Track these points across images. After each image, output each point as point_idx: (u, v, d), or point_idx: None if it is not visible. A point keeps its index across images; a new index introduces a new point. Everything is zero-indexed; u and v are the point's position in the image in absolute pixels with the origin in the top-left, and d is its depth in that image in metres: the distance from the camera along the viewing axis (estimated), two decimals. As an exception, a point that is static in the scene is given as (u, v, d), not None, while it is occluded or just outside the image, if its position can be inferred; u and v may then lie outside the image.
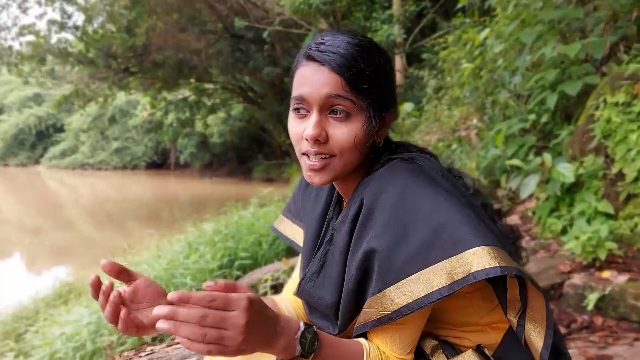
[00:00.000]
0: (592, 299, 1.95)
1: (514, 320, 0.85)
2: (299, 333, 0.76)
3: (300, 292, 0.99)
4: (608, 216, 2.47)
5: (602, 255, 2.17)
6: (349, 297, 0.87)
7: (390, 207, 0.82)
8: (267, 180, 23.95)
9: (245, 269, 3.75)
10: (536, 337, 0.83)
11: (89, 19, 15.68)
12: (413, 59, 10.76)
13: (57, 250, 10.48)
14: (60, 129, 33.03)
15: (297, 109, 0.88)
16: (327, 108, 0.85)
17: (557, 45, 3.24)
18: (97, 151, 31.69)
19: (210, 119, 23.84)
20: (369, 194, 0.86)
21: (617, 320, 1.90)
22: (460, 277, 0.74)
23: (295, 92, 0.87)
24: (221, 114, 23.23)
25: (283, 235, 1.23)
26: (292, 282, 1.17)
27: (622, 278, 2.02)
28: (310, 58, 0.86)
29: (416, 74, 9.04)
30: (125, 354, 2.87)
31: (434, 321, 0.93)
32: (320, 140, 0.85)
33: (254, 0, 14.08)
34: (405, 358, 0.87)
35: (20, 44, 15.82)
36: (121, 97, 26.75)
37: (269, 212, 5.13)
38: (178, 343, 2.86)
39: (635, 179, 2.43)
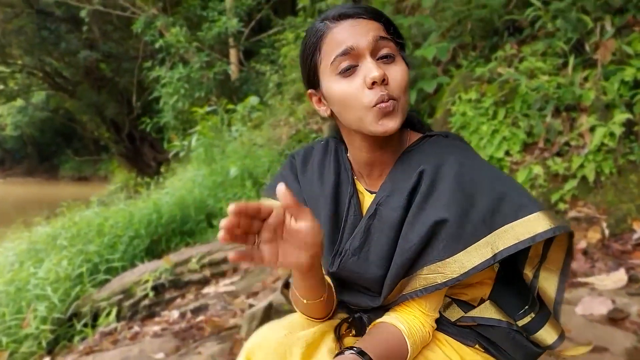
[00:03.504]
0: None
1: (530, 273, 0.99)
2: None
3: (340, 269, 0.97)
4: (467, 195, 2.93)
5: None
6: (404, 267, 0.90)
7: (454, 179, 0.87)
8: (80, 179, 21.31)
9: (113, 272, 3.34)
10: (549, 285, 0.97)
11: None
12: (249, 54, 10.81)
13: None
14: None
15: (345, 69, 0.86)
16: (376, 53, 0.86)
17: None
18: None
19: (3, 108, 20.12)
20: (429, 167, 0.89)
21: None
22: (525, 237, 0.83)
23: (339, 49, 0.86)
24: (17, 103, 19.74)
25: None
26: None
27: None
28: (341, 17, 0.87)
29: (257, 69, 9.13)
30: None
31: None
32: (385, 80, 0.84)
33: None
34: (436, 315, 0.96)
35: None
36: None
37: (120, 211, 4.64)
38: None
39: (486, 163, 2.94)
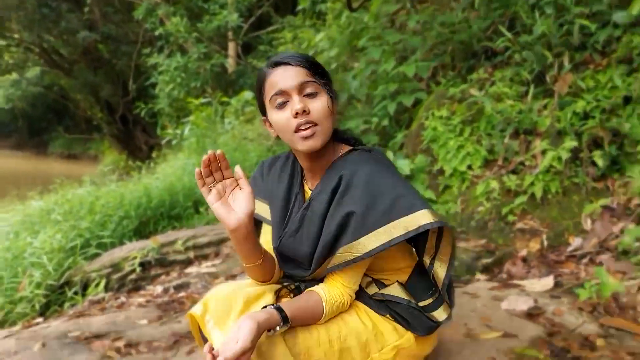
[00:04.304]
0: (426, 262, 2.64)
1: (427, 261, 1.31)
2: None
3: (280, 246, 1.32)
4: (431, 201, 3.25)
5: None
6: (326, 247, 1.21)
7: (363, 182, 1.19)
8: (69, 157, 21.35)
9: (104, 247, 3.61)
10: (440, 271, 1.29)
11: None
12: (247, 49, 11.04)
13: None
14: None
15: (279, 104, 1.19)
16: (302, 92, 1.18)
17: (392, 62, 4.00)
18: None
19: (-4, 80, 20.03)
20: (347, 173, 1.21)
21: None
22: (412, 228, 1.15)
23: (274, 90, 1.19)
24: (11, 75, 19.69)
25: None
26: (263, 245, 1.45)
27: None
28: (276, 64, 1.21)
29: (254, 64, 9.36)
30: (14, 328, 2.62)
31: (367, 269, 1.33)
32: (306, 111, 1.16)
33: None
34: (355, 288, 1.29)
35: None
36: None
37: (110, 191, 4.88)
38: (37, 323, 2.72)
39: (451, 175, 3.26)
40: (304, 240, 1.27)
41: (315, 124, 1.18)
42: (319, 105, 1.18)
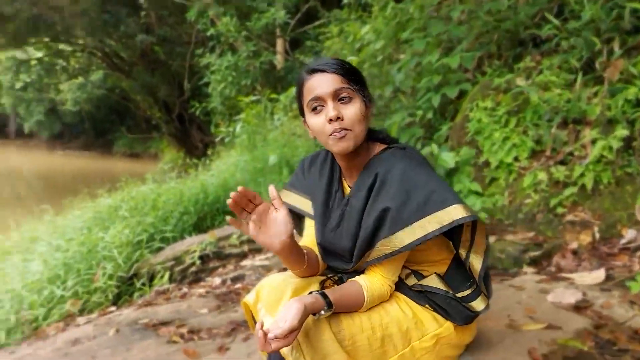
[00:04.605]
0: (471, 254, 2.68)
1: (463, 254, 1.38)
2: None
3: (323, 241, 1.42)
4: (477, 194, 3.26)
5: (477, 222, 2.94)
6: (365, 241, 1.31)
7: (398, 179, 1.27)
8: (132, 156, 22.54)
9: (166, 241, 3.90)
10: (476, 263, 1.37)
11: None
12: (295, 44, 11.21)
13: None
14: None
15: (314, 108, 1.28)
16: (336, 98, 1.27)
17: (438, 53, 3.99)
18: None
19: (64, 84, 21.47)
20: (382, 171, 1.30)
21: (488, 268, 2.65)
22: (446, 223, 1.22)
23: (310, 95, 1.28)
24: (77, 80, 21.05)
25: (291, 205, 1.60)
26: (306, 239, 1.57)
27: (491, 239, 2.79)
28: (313, 71, 1.29)
29: (301, 59, 9.51)
30: (55, 324, 2.93)
31: (406, 261, 1.42)
32: (340, 117, 1.25)
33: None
34: (394, 279, 1.37)
35: None
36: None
37: (171, 188, 5.21)
38: (111, 312, 3.00)
39: (497, 167, 3.25)
40: (344, 235, 1.36)
41: (348, 130, 1.26)
42: (352, 111, 1.26)
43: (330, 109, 1.24)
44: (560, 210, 2.92)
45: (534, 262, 2.65)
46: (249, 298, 1.37)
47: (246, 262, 3.46)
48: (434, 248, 1.43)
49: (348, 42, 7.41)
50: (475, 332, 1.56)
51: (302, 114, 1.37)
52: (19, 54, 17.31)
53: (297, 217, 1.58)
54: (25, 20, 13.39)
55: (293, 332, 1.11)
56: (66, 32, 14.74)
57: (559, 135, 3.05)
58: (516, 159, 3.19)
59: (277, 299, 1.29)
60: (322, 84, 1.25)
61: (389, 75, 5.04)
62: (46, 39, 15.85)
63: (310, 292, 1.24)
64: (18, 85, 18.87)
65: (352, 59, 6.53)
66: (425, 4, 5.25)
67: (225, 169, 5.51)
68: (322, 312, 1.21)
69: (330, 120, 1.25)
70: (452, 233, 1.39)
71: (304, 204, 1.54)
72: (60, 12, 13.03)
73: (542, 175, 3.02)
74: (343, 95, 1.26)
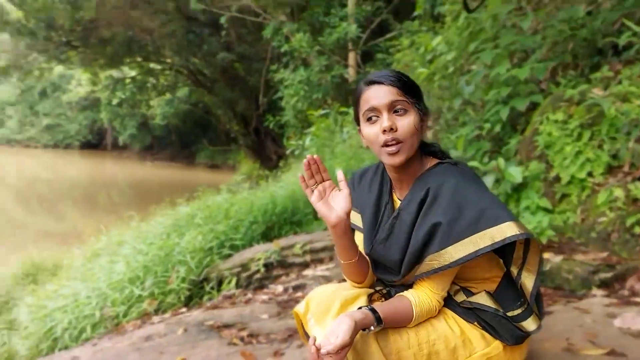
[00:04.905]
0: (536, 273, 2.57)
1: (515, 271, 1.36)
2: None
3: (372, 252, 1.45)
4: (547, 211, 3.11)
5: (544, 240, 2.81)
6: (414, 255, 1.32)
7: (450, 194, 1.27)
8: (212, 167, 23.82)
9: (235, 249, 4.11)
10: (528, 282, 1.34)
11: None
12: (367, 57, 11.31)
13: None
14: (-17, 101, 30.58)
15: (369, 118, 1.31)
16: (391, 109, 1.30)
17: (507, 64, 3.87)
18: (26, 127, 29.76)
19: (154, 100, 23.22)
20: (434, 185, 1.31)
21: (554, 289, 2.53)
22: (498, 239, 1.21)
23: (367, 105, 1.31)
24: (166, 96, 22.68)
25: None
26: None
27: (558, 258, 2.66)
28: (371, 83, 1.32)
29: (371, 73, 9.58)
30: (133, 322, 3.19)
31: (455, 277, 1.41)
32: (394, 128, 1.28)
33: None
34: (443, 295, 1.36)
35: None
36: (54, 71, 25.26)
37: (243, 199, 5.47)
38: (182, 312, 3.21)
39: (569, 182, 3.09)
40: (394, 248, 1.37)
41: (401, 141, 1.29)
42: (405, 123, 1.28)
43: (385, 120, 1.28)
44: (638, 229, 2.71)
45: (604, 285, 2.49)
46: (299, 308, 1.42)
47: (308, 272, 3.57)
48: (484, 265, 1.41)
49: (419, 54, 7.37)
50: (526, 353, 1.51)
51: (357, 122, 1.40)
52: (115, 73, 19.01)
53: None
54: (121, 43, 14.74)
55: (344, 348, 1.14)
56: (156, 52, 15.99)
57: (637, 149, 2.84)
58: (590, 174, 3.02)
59: (325, 310, 1.34)
60: (379, 95, 1.29)
61: (459, 87, 4.96)
62: (139, 59, 17.29)
63: (360, 307, 1.26)
64: (114, 101, 20.67)
65: (422, 71, 6.49)
66: (498, 13, 5.12)
67: (294, 181, 5.69)
68: (372, 327, 1.23)
69: (384, 131, 1.28)
70: (504, 250, 1.37)
71: (354, 218, 1.57)
72: (151, 34, 14.20)
73: (619, 192, 2.83)
74: (398, 107, 1.29)
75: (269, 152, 15.95)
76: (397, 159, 1.30)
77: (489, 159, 3.72)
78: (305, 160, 1.29)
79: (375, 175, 1.53)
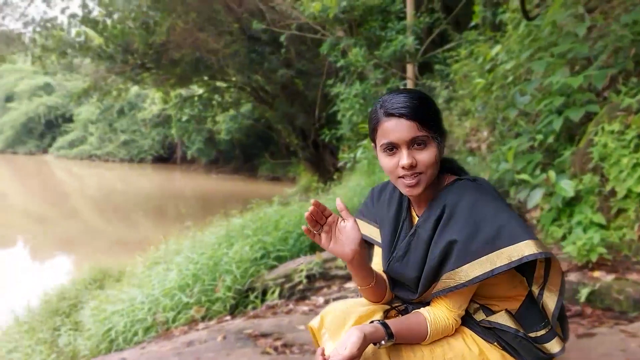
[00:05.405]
0: (583, 293, 2.41)
1: (536, 291, 1.30)
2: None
3: (389, 270, 1.44)
4: (600, 226, 2.92)
5: (594, 258, 2.63)
6: (431, 273, 1.30)
7: (467, 211, 1.25)
8: (273, 179, 24.37)
9: (281, 260, 4.20)
10: (550, 302, 1.28)
11: (109, 15, 16.12)
12: (424, 68, 11.18)
13: (63, 239, 10.89)
14: (69, 119, 33.33)
15: (388, 149, 1.29)
16: (411, 145, 1.27)
17: (565, 72, 3.68)
18: (105, 143, 32.05)
19: (219, 116, 24.23)
20: (450, 202, 1.29)
21: (603, 310, 2.36)
22: (516, 259, 1.18)
23: (385, 139, 1.27)
24: (230, 112, 23.62)
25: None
26: (374, 267, 1.60)
27: (609, 277, 2.48)
28: (389, 115, 1.26)
29: (428, 84, 9.47)
30: (181, 327, 3.33)
31: (475, 295, 1.37)
32: (413, 165, 1.26)
33: (271, 4, 14.53)
34: (460, 313, 1.33)
35: (41, 37, 16.19)
36: (130, 91, 27.12)
37: (293, 211, 5.57)
38: (226, 320, 3.31)
39: (625, 196, 2.88)
40: (411, 265, 1.36)
41: (420, 173, 1.27)
42: (425, 156, 1.26)
43: (405, 157, 1.25)
44: None
45: (661, 308, 2.29)
46: (314, 322, 1.42)
47: (350, 285, 3.57)
48: (504, 283, 1.37)
49: (477, 64, 7.19)
50: (548, 376, 1.43)
51: (372, 140, 1.38)
52: (184, 92, 20.12)
53: (366, 245, 1.59)
54: (189, 63, 15.63)
55: (352, 359, 1.14)
56: (221, 71, 16.75)
57: None
58: (649, 188, 2.80)
59: (339, 326, 1.34)
60: (398, 130, 1.25)
61: (513, 97, 4.79)
62: (205, 78, 18.21)
63: (372, 321, 1.27)
64: (183, 118, 21.80)
65: (479, 81, 6.34)
66: (556, 19, 4.91)
67: (343, 193, 5.72)
68: (383, 342, 1.21)
69: (403, 168, 1.26)
70: (525, 269, 1.32)
71: (373, 232, 1.56)
72: (216, 55, 14.93)
73: (682, 208, 2.60)
74: (418, 140, 1.25)
75: (327, 165, 16.11)
76: (415, 191, 1.29)
77: (540, 171, 3.55)
78: (307, 213, 1.26)
79: (395, 190, 1.52)
